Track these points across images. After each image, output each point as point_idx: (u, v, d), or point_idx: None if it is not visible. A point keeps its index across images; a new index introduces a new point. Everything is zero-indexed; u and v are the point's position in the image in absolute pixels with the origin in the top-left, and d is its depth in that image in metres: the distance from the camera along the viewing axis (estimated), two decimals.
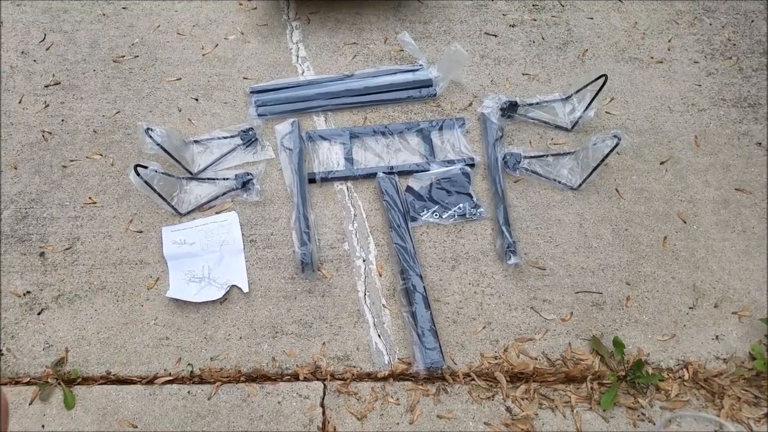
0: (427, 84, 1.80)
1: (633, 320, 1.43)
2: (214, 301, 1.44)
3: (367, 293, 1.46)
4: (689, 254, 1.52)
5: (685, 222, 1.58)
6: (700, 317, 1.43)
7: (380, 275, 1.48)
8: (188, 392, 1.32)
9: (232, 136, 1.69)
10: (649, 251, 1.53)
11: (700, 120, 1.77)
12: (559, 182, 1.62)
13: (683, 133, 1.74)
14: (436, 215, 1.56)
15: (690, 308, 1.44)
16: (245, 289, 1.46)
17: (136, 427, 1.27)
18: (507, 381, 1.34)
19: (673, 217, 1.58)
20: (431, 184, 1.60)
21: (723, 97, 1.82)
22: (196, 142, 1.68)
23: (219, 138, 1.69)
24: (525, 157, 1.64)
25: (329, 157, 1.67)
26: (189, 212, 1.57)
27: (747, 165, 1.67)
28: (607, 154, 1.48)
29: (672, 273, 1.49)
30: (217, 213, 1.57)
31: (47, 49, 1.93)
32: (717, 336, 1.41)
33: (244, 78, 1.85)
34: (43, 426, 1.28)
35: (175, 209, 1.55)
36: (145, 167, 1.41)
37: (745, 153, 1.70)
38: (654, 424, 1.28)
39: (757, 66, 1.89)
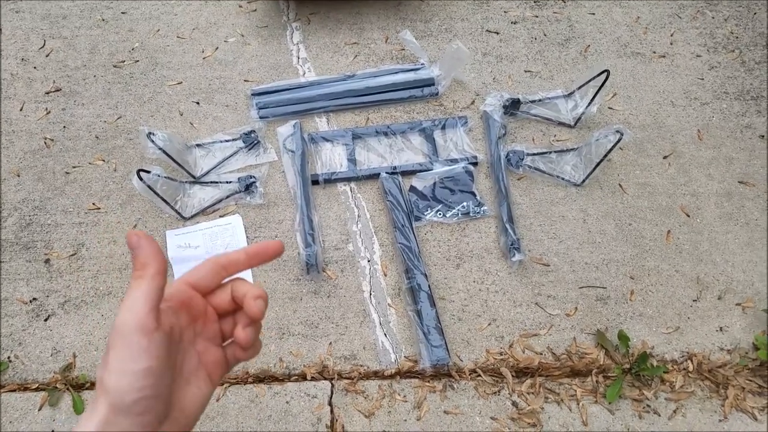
0: (429, 83, 1.80)
1: (637, 314, 1.43)
2: None
3: (372, 293, 1.47)
4: (693, 247, 1.52)
5: (688, 215, 1.58)
6: (704, 309, 1.43)
7: (385, 275, 1.49)
8: None
9: (234, 139, 1.70)
10: (653, 245, 1.53)
11: (703, 114, 1.77)
12: (563, 179, 1.62)
13: (686, 127, 1.74)
14: (439, 214, 1.56)
15: (694, 301, 1.45)
16: None
17: None
18: (513, 376, 1.34)
19: (677, 210, 1.59)
20: (434, 184, 1.61)
21: (726, 91, 1.82)
22: (198, 145, 1.69)
23: (221, 141, 1.70)
24: (528, 155, 1.64)
25: (332, 158, 1.67)
26: (193, 216, 1.58)
27: (750, 158, 1.68)
28: (610, 150, 1.48)
29: (676, 266, 1.50)
30: (220, 216, 1.58)
31: (47, 56, 1.94)
32: (721, 327, 1.41)
33: (245, 80, 1.86)
34: (53, 431, 1.29)
35: (179, 213, 1.55)
36: (148, 172, 1.41)
37: (748, 146, 1.70)
38: (659, 415, 1.29)
39: (759, 59, 1.89)
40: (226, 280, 0.47)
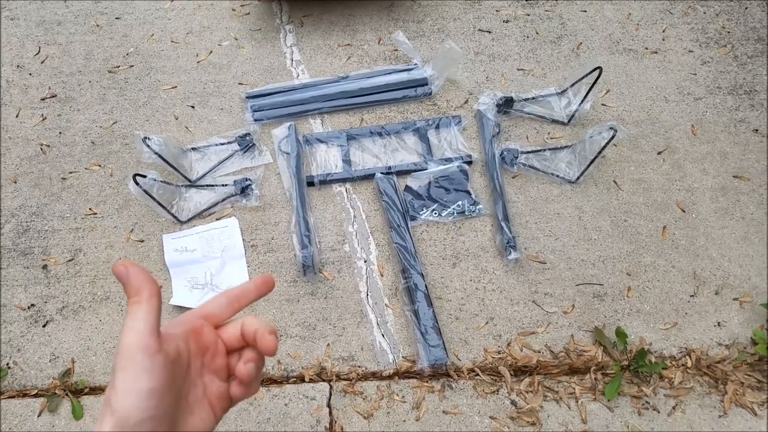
0: (423, 83, 1.80)
1: (635, 310, 1.43)
2: None
3: (369, 293, 1.47)
4: (689, 243, 1.53)
5: (683, 211, 1.58)
6: (701, 305, 1.44)
7: (382, 275, 1.49)
8: None
9: (229, 142, 1.70)
10: (649, 241, 1.53)
11: (697, 109, 1.77)
12: (557, 176, 1.62)
13: (680, 123, 1.74)
14: (435, 213, 1.57)
15: (691, 296, 1.45)
16: None
17: None
18: (511, 375, 1.34)
19: (672, 206, 1.59)
20: (429, 183, 1.61)
21: (719, 85, 1.82)
22: (193, 149, 1.69)
23: (216, 144, 1.70)
24: (522, 153, 1.64)
25: (327, 159, 1.67)
26: (189, 219, 1.58)
27: (744, 152, 1.68)
28: (604, 146, 1.49)
29: (672, 262, 1.50)
30: (217, 219, 1.58)
31: (42, 62, 1.94)
32: (719, 322, 1.41)
33: (239, 83, 1.86)
34: None
35: (175, 217, 1.55)
36: (144, 176, 1.42)
37: (742, 140, 1.70)
38: (659, 412, 1.29)
39: (752, 53, 1.89)
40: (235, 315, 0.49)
